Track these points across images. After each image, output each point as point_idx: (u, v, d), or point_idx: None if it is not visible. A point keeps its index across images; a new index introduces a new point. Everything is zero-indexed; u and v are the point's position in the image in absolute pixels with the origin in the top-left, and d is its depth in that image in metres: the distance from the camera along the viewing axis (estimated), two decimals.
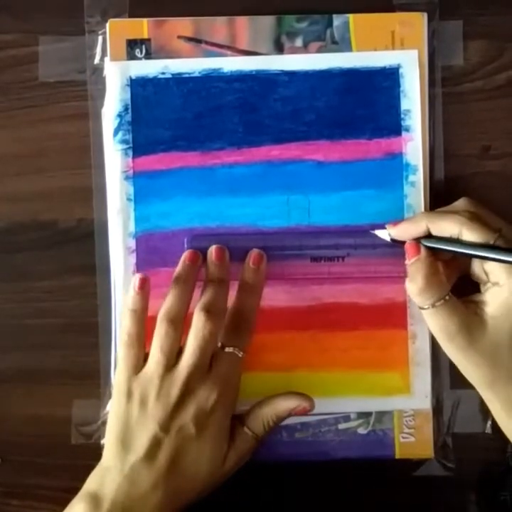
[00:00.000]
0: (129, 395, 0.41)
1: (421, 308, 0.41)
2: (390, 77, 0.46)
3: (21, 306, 0.47)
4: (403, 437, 0.46)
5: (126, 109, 0.46)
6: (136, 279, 0.43)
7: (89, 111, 0.47)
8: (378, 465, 0.46)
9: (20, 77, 0.47)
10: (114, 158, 0.46)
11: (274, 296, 0.46)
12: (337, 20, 0.46)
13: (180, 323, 0.42)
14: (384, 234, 0.43)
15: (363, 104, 0.46)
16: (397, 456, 0.46)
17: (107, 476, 0.40)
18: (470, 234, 0.39)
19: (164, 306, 0.42)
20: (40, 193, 0.47)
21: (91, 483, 0.41)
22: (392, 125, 0.46)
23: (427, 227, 0.41)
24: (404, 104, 0.46)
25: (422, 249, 0.41)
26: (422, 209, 0.46)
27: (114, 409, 0.42)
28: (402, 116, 0.46)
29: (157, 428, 0.40)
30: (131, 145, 0.46)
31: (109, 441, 0.41)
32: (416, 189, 0.46)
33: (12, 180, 0.47)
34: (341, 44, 0.46)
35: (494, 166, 0.47)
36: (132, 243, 0.46)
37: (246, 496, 0.46)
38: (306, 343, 0.46)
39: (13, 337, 0.47)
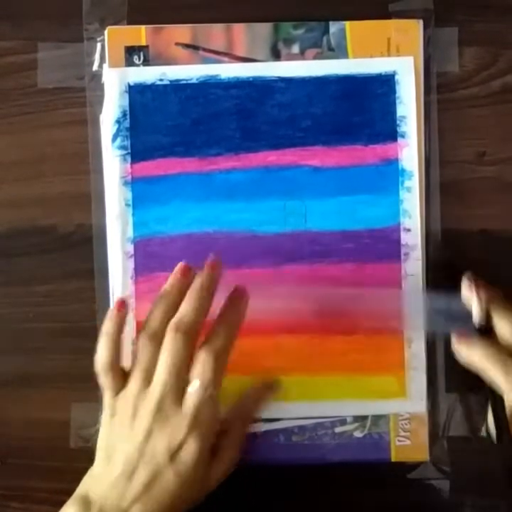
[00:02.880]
0: (112, 413, 0.41)
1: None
2: (385, 83, 0.47)
3: (20, 311, 0.47)
4: (399, 440, 0.47)
5: (124, 115, 0.47)
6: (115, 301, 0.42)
7: (88, 117, 0.47)
8: (374, 468, 0.47)
9: (19, 84, 0.47)
10: (113, 164, 0.47)
11: (271, 301, 0.46)
12: (333, 27, 0.47)
13: (159, 339, 0.40)
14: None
15: (359, 110, 0.47)
16: (393, 459, 0.47)
17: (96, 482, 0.40)
18: None
19: (145, 321, 0.41)
20: (39, 199, 0.47)
21: (83, 486, 0.41)
22: (388, 131, 0.47)
23: None
24: (400, 111, 0.47)
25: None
26: (418, 214, 0.46)
27: (102, 421, 0.42)
28: (398, 122, 0.47)
29: (132, 450, 0.40)
30: (129, 151, 0.47)
31: (98, 450, 0.41)
32: (412, 194, 0.47)
33: (11, 186, 0.47)
34: (338, 51, 0.47)
35: (489, 171, 0.47)
36: (130, 248, 0.47)
37: (243, 499, 0.46)
38: (302, 347, 0.47)
39: (12, 341, 0.47)
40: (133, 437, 0.40)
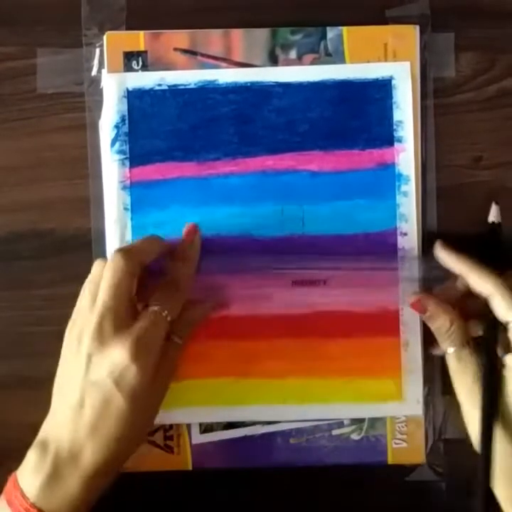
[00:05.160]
0: (68, 335, 0.41)
1: (446, 350, 0.44)
2: (382, 88, 0.47)
3: (20, 314, 0.48)
4: (395, 443, 0.47)
5: (123, 120, 0.47)
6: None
7: (87, 122, 0.47)
8: (371, 470, 0.47)
9: (18, 89, 0.47)
10: (111, 169, 0.47)
11: (269, 304, 0.47)
12: (331, 32, 0.47)
13: None
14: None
15: (356, 115, 0.47)
16: (390, 462, 0.47)
17: (52, 420, 0.40)
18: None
19: None
20: (38, 203, 0.48)
21: (42, 430, 0.40)
22: (385, 136, 0.47)
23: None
24: (396, 116, 0.47)
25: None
26: (414, 219, 0.47)
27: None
28: (395, 127, 0.47)
29: (79, 377, 0.39)
30: (128, 155, 0.47)
31: (54, 384, 0.41)
32: (408, 199, 0.47)
33: (11, 191, 0.48)
34: (335, 56, 0.47)
35: (485, 176, 0.48)
36: None
37: (241, 501, 0.47)
38: (300, 350, 0.47)
39: (12, 344, 0.48)
40: (77, 364, 0.39)
